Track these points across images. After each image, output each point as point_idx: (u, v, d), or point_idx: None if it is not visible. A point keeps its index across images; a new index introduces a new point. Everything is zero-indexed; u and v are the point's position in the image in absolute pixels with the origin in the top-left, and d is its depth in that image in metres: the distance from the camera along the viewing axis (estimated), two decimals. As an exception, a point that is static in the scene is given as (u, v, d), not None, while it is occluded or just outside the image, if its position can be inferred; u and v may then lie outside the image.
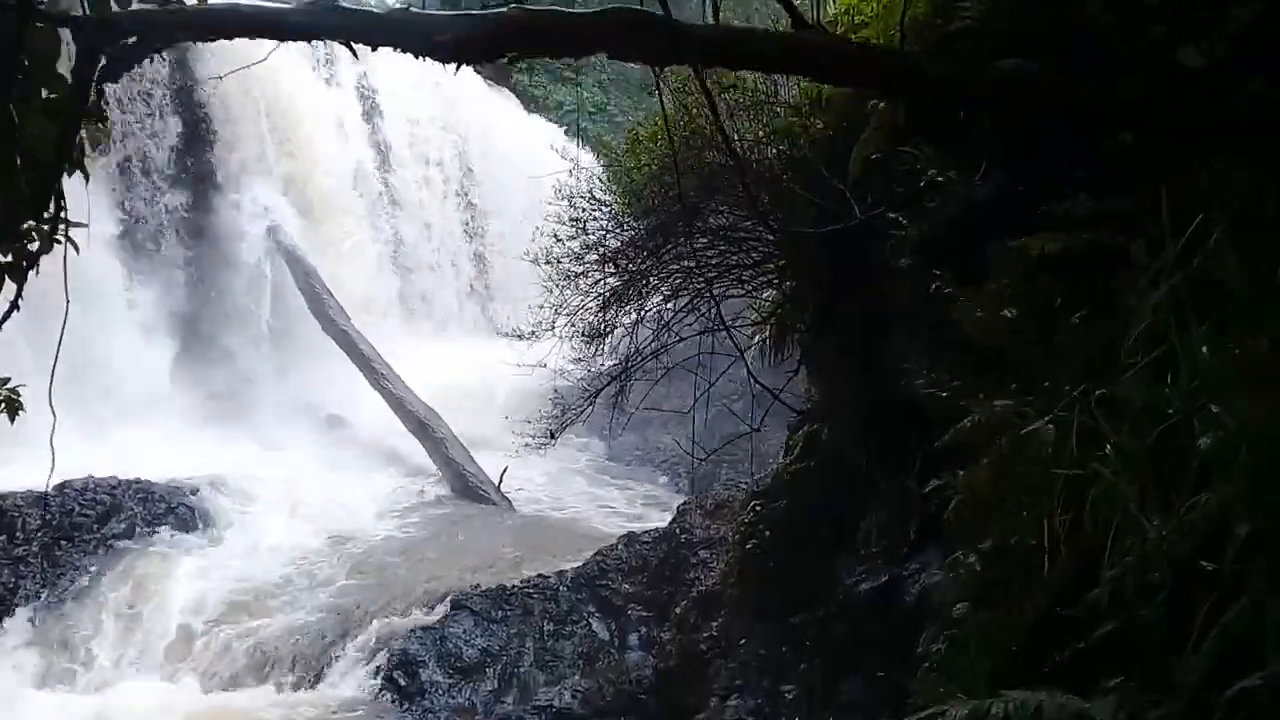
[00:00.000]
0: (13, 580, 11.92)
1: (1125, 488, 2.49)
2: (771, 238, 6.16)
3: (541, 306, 7.13)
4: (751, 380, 6.27)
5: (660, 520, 13.35)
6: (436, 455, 16.42)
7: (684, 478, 16.65)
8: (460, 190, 24.21)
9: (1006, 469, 2.95)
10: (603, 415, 17.21)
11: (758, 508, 8.39)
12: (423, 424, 16.66)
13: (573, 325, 7.05)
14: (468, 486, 15.75)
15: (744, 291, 6.81)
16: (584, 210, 6.80)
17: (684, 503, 12.22)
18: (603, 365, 7.11)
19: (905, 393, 5.64)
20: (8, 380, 4.56)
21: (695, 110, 5.70)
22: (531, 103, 28.50)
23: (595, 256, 6.80)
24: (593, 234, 6.76)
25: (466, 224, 24.27)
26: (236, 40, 3.27)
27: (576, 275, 6.91)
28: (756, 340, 7.22)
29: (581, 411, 7.34)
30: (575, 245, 6.83)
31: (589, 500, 16.05)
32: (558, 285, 7.03)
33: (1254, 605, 1.83)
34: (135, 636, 11.67)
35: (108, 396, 15.67)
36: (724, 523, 10.73)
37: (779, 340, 7.10)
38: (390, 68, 23.12)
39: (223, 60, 16.38)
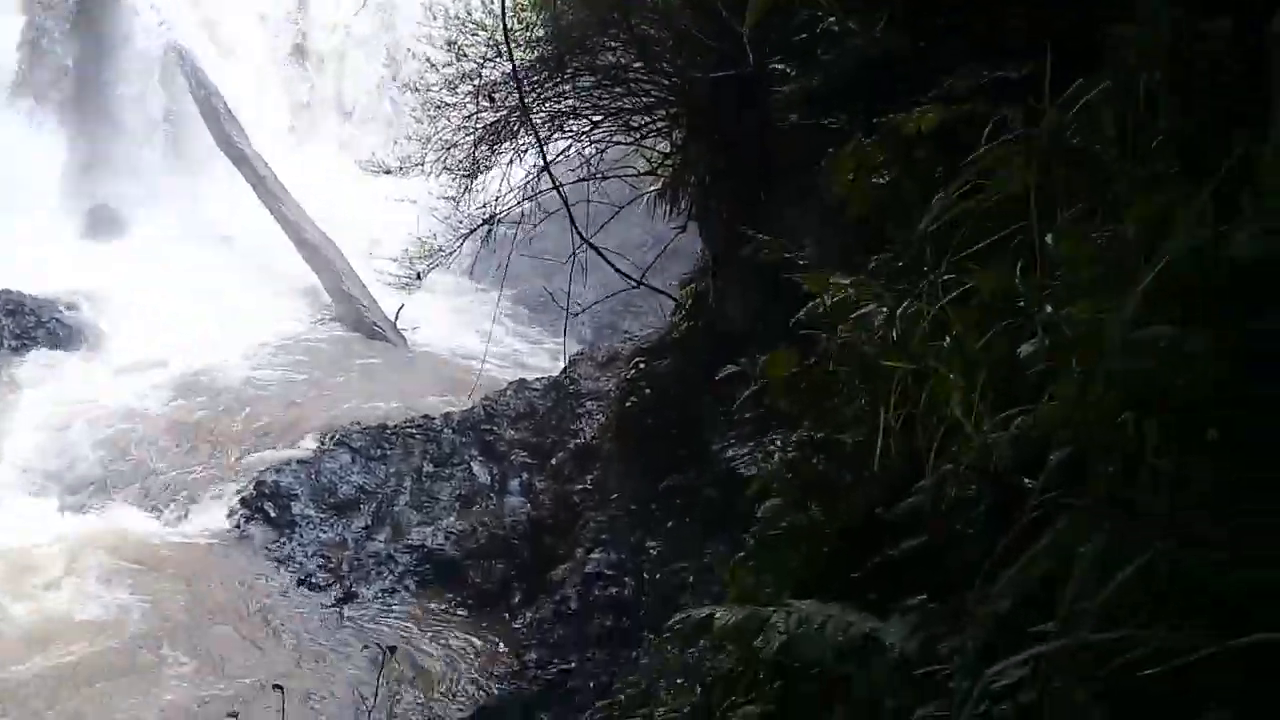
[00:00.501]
0: None
1: (956, 387, 2.22)
2: (666, 82, 5.68)
3: (409, 138, 6.57)
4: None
5: (554, 368, 13.13)
6: (330, 285, 15.83)
7: (585, 326, 16.35)
8: None
9: (842, 353, 2.67)
10: (508, 259, 16.84)
11: (641, 364, 8.17)
12: (318, 253, 15.99)
13: (443, 163, 6.50)
14: (362, 320, 15.25)
15: (631, 140, 6.34)
16: (460, 34, 6.18)
17: (576, 352, 11.98)
18: (477, 206, 6.62)
19: (789, 259, 5.35)
20: None
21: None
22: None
23: (470, 87, 6.22)
24: (470, 61, 6.16)
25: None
26: None
27: (449, 106, 6.34)
28: (646, 191, 6.82)
29: (450, 254, 6.87)
30: (449, 73, 6.23)
31: (486, 343, 15.71)
32: (428, 116, 6.46)
33: (1058, 543, 1.58)
34: (-1, 452, 11.23)
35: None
36: (613, 375, 10.53)
37: (672, 193, 6.71)
38: None
39: None
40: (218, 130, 16.90)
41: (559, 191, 5.30)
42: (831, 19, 4.34)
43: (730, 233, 6.70)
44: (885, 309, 2.62)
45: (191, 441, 11.83)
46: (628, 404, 8.21)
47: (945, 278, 2.44)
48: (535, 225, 6.58)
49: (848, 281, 2.84)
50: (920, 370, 2.44)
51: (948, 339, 2.32)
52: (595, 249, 5.59)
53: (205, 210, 17.35)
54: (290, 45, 20.32)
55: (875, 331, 2.59)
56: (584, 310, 6.73)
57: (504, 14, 5.04)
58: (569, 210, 5.04)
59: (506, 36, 5.07)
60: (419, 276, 6.97)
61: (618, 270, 5.88)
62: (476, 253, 16.17)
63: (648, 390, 8.13)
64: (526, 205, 6.72)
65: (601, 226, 6.15)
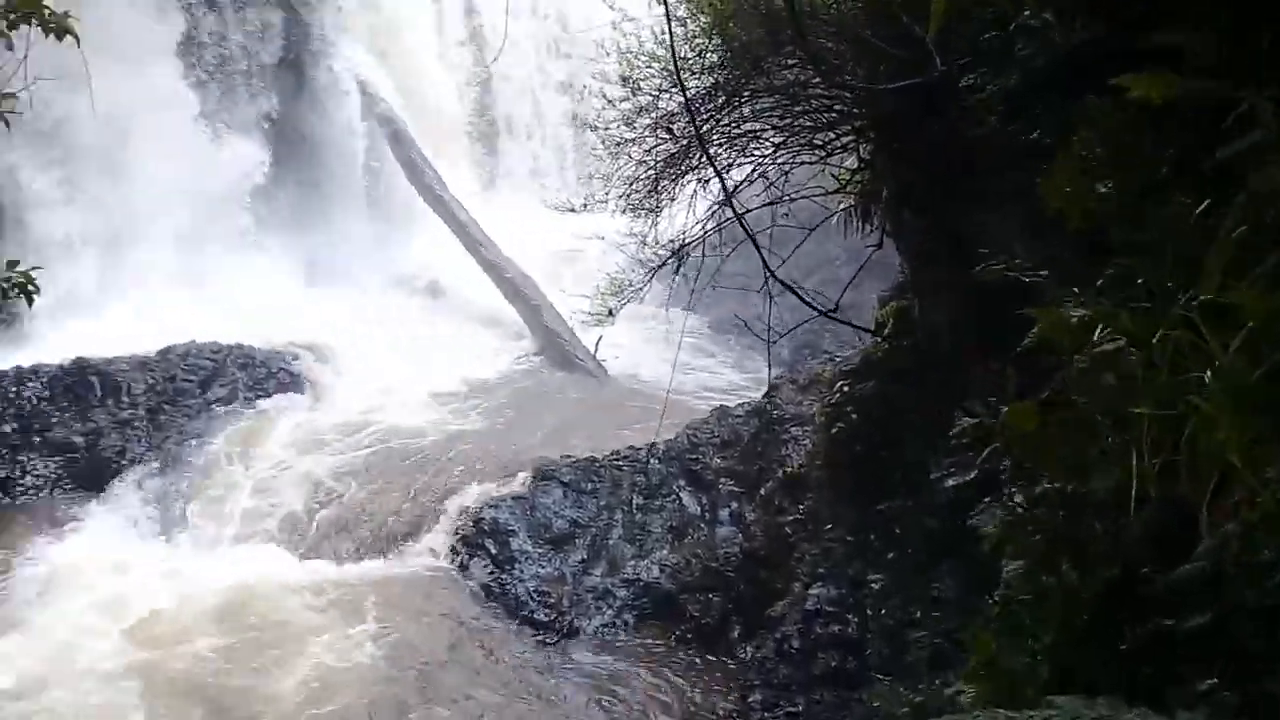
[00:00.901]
0: (120, 444, 12.31)
1: (1227, 427, 1.92)
2: (848, 95, 5.43)
3: (591, 177, 6.55)
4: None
5: (755, 394, 12.95)
6: (532, 322, 16.24)
7: (784, 348, 16.09)
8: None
9: (1081, 386, 2.38)
10: (694, 285, 16.80)
11: (844, 388, 7.88)
12: (518, 290, 16.45)
13: (626, 199, 6.46)
14: (563, 354, 15.56)
15: (816, 158, 6.10)
16: (636, 68, 6.13)
17: (777, 377, 11.74)
18: (662, 237, 6.54)
19: (999, 273, 5.00)
20: (16, 263, 4.43)
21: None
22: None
23: (648, 120, 6.15)
24: (645, 94, 6.10)
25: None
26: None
27: (628, 141, 6.29)
28: (836, 210, 6.56)
29: (640, 288, 6.82)
30: (626, 107, 6.19)
31: (684, 371, 15.71)
32: (609, 154, 6.43)
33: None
34: (237, 500, 11.97)
35: (206, 257, 15.85)
36: (816, 399, 10.25)
37: (863, 210, 6.43)
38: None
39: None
40: (417, 180, 17.70)
41: (742, 224, 5.13)
42: (1026, 13, 4.01)
43: (928, 247, 6.37)
44: (1129, 337, 2.33)
45: (409, 482, 12.27)
46: (834, 430, 7.94)
47: (1201, 299, 2.14)
48: (724, 257, 6.43)
49: (1084, 313, 2.53)
50: (1179, 410, 2.14)
51: (1209, 372, 2.02)
52: (783, 283, 5.39)
53: (409, 257, 18.23)
54: (476, 104, 21.19)
55: (1120, 364, 2.30)
56: (782, 336, 6.51)
57: (672, 44, 4.94)
58: (754, 242, 4.84)
59: (676, 66, 4.96)
60: (611, 313, 6.96)
61: (808, 303, 5.63)
62: (670, 284, 16.29)
63: (854, 415, 7.83)
64: (714, 235, 6.60)
65: (794, 250, 5.94)
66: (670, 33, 4.64)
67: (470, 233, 17.10)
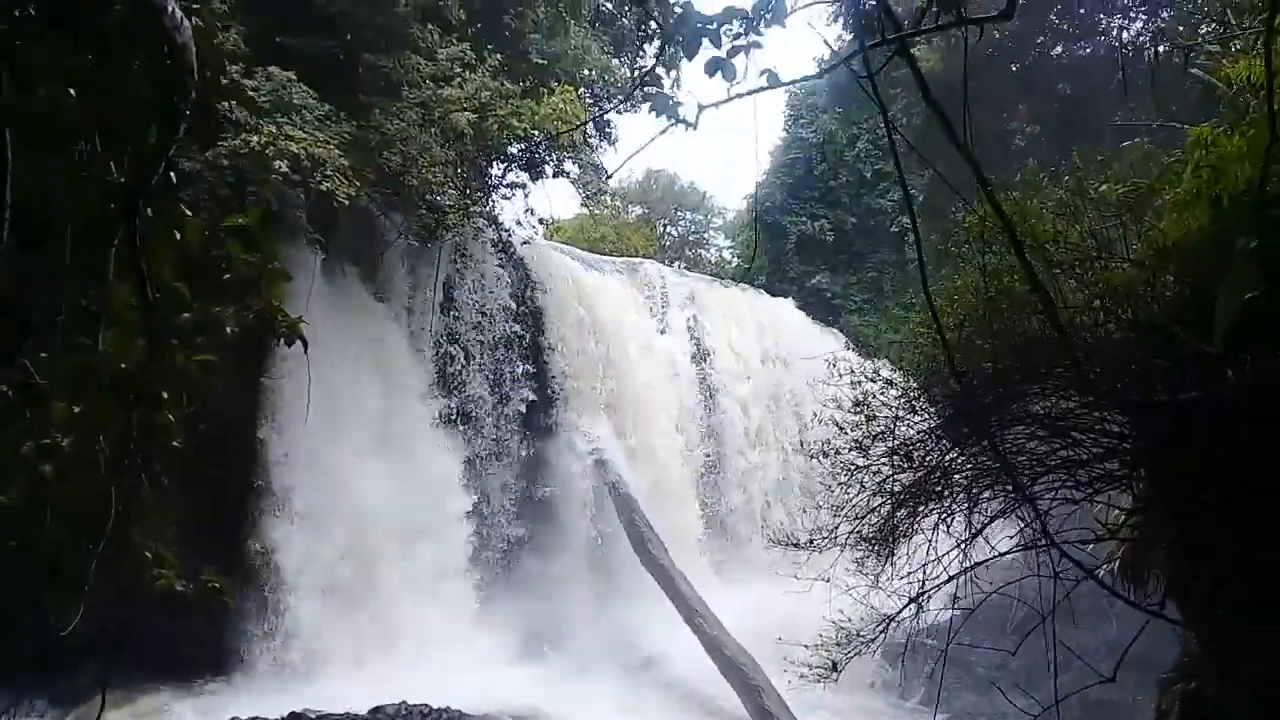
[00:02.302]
0: (332, 807, 11.84)
1: None
2: (1116, 428, 4.82)
3: (819, 507, 6.05)
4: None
5: (1005, 802, 11.17)
6: (751, 705, 15.06)
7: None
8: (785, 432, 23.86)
9: None
10: (939, 669, 15.29)
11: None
12: (737, 668, 15.46)
13: (859, 533, 5.87)
14: (784, 743, 14.20)
15: (1079, 497, 5.34)
16: (869, 393, 5.77)
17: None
18: (900, 579, 5.82)
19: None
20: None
21: (1003, 270, 4.67)
22: (862, 345, 27.39)
23: (884, 448, 5.68)
24: (880, 421, 5.67)
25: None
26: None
27: (860, 469, 5.80)
28: (1104, 565, 5.68)
29: (871, 640, 6.00)
30: (859, 435, 5.77)
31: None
32: (839, 483, 5.93)
33: None
34: None
35: (424, 621, 16.02)
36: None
37: (1136, 564, 5.54)
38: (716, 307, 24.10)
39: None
40: (640, 547, 17.60)
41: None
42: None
43: (1226, 612, 5.35)
44: None
45: None
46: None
47: None
48: (970, 612, 5.61)
49: None
50: None
51: None
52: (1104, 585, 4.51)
53: (628, 630, 17.72)
54: (701, 460, 21.71)
55: None
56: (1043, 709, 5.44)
57: (942, 334, 4.56)
58: (1049, 537, 4.06)
59: (952, 364, 4.52)
60: (835, 667, 6.13)
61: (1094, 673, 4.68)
62: (901, 664, 14.92)
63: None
64: (953, 593, 5.83)
65: (1054, 608, 5.08)
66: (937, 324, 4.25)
67: (689, 604, 16.56)
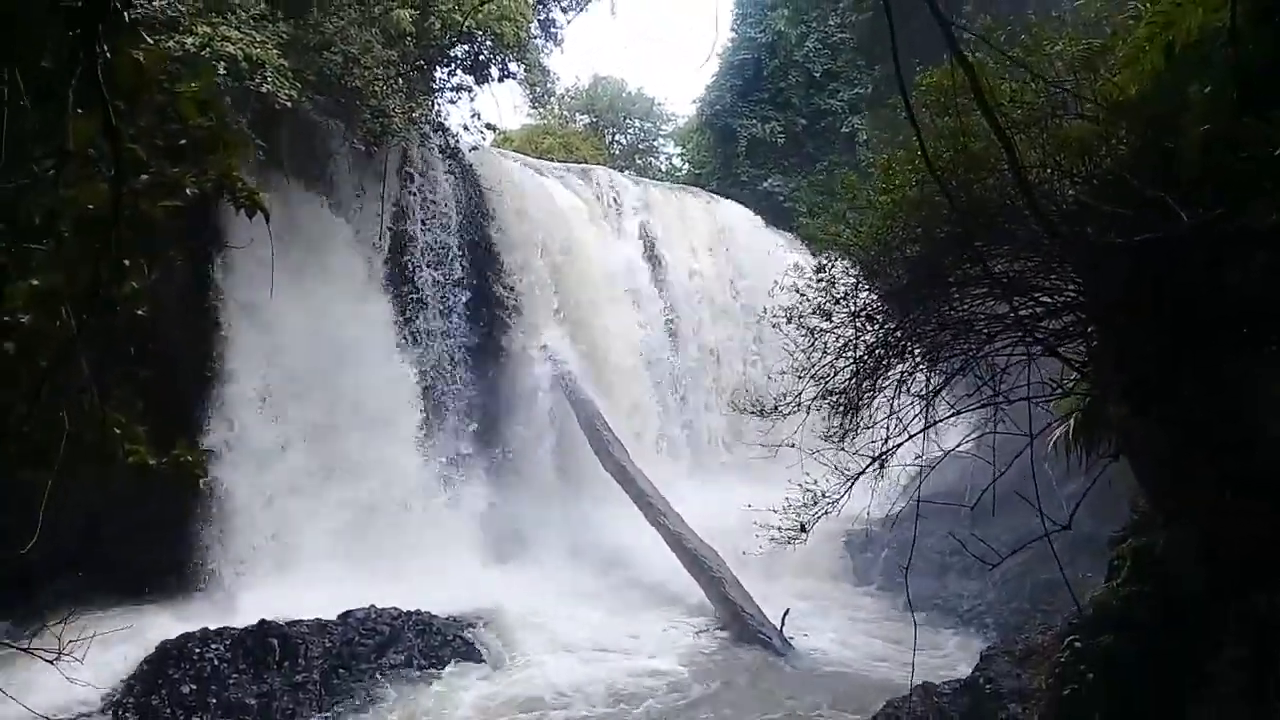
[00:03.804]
0: (291, 706, 12.00)
1: None
2: (1073, 287, 4.90)
3: (783, 373, 6.11)
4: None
5: (958, 671, 11.63)
6: (714, 594, 15.46)
7: (990, 627, 14.70)
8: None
9: None
10: (894, 559, 15.73)
11: (1076, 644, 6.82)
12: (699, 562, 15.81)
13: (825, 398, 5.95)
14: (746, 629, 14.60)
15: (1036, 353, 5.44)
16: (831, 260, 5.82)
17: (988, 648, 10.51)
18: (859, 446, 5.94)
19: (1273, 474, 4.23)
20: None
21: (964, 130, 4.67)
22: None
23: (845, 312, 5.74)
24: (841, 287, 5.73)
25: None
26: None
27: (823, 332, 5.86)
28: (1059, 426, 5.84)
29: (837, 500, 6.13)
30: (821, 299, 5.82)
31: (879, 646, 14.43)
32: (802, 348, 6.00)
33: None
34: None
35: (396, 526, 16.16)
36: (1037, 670, 9.00)
37: (1087, 425, 5.71)
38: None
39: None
40: (602, 451, 17.79)
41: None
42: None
43: (1175, 461, 5.56)
44: None
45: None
46: (1066, 693, 6.81)
47: None
48: (929, 466, 5.76)
49: None
50: None
51: None
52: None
53: (591, 529, 18.00)
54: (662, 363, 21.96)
55: None
56: (995, 567, 5.65)
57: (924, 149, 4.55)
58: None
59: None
60: (803, 529, 6.26)
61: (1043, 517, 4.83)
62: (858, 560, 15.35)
63: (1089, 675, 6.72)
64: (916, 460, 5.98)
65: (1011, 463, 5.22)
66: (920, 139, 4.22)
67: (651, 502, 16.82)
